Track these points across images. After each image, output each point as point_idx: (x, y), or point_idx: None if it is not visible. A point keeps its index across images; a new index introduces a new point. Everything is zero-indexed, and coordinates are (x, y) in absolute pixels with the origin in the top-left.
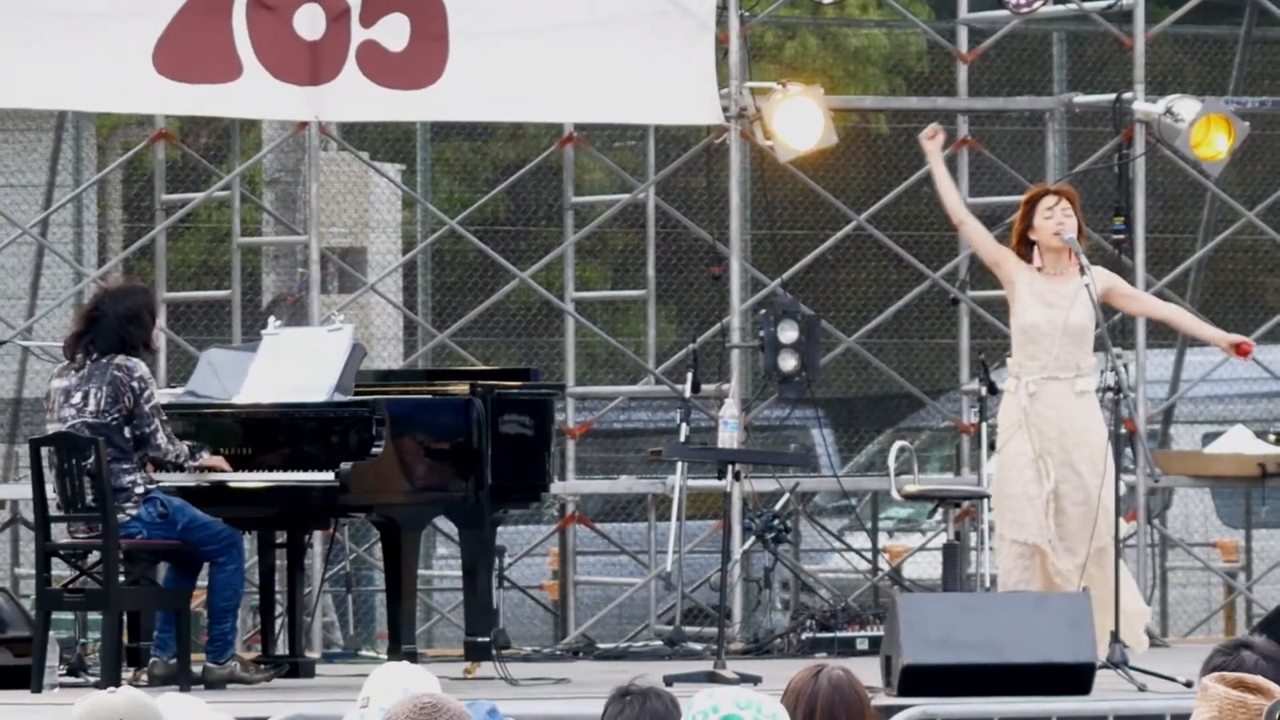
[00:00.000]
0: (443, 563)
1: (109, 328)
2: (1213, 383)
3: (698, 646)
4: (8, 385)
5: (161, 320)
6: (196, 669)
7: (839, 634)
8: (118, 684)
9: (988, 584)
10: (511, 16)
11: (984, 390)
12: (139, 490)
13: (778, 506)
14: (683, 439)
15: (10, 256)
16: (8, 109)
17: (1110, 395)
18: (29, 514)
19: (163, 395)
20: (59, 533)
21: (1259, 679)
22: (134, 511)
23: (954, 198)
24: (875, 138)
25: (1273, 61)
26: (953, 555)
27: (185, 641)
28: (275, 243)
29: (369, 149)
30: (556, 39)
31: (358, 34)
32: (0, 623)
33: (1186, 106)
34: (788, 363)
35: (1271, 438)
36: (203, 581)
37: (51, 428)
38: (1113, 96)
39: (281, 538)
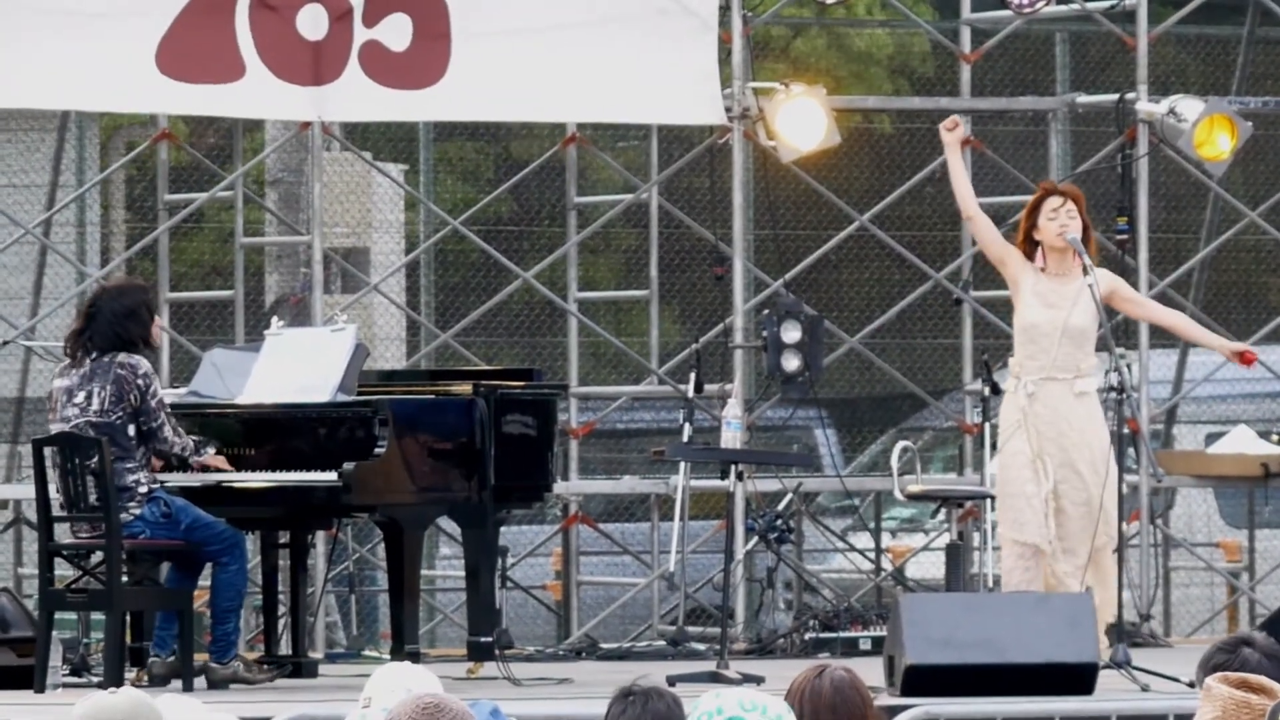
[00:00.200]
0: (446, 563)
1: (106, 324)
2: (1216, 383)
3: (701, 647)
4: (11, 385)
5: (164, 320)
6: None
7: (842, 634)
8: (120, 684)
9: (991, 584)
10: (514, 16)
11: (987, 390)
12: (142, 490)
13: (781, 507)
14: (686, 439)
15: (13, 256)
16: (11, 109)
17: (1113, 395)
18: (32, 514)
19: (166, 395)
20: (62, 533)
21: (1263, 679)
22: (137, 511)
23: (967, 191)
24: (878, 138)
25: (1276, 62)
26: (956, 555)
27: (189, 642)
28: (278, 243)
29: (372, 149)
30: (559, 38)
31: (360, 34)
32: (3, 623)
33: (1189, 106)
34: (791, 363)
35: (1274, 438)
36: (205, 582)
37: (54, 427)
38: (1116, 97)
39: (284, 538)
